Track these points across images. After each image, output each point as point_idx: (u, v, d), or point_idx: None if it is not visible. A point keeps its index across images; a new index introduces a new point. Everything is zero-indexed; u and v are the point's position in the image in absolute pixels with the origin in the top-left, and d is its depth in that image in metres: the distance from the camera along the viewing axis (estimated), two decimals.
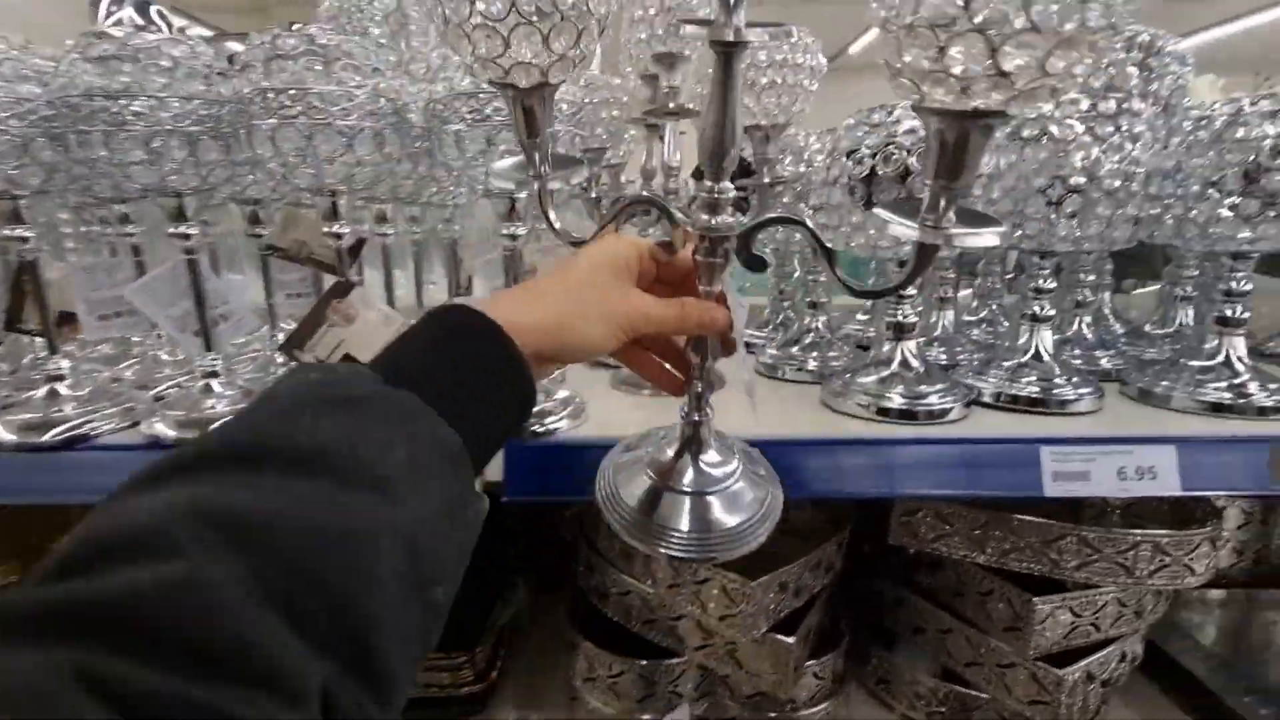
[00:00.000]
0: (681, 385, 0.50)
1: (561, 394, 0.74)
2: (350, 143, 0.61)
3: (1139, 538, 0.69)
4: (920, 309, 0.77)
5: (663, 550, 0.45)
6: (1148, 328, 1.02)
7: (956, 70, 0.32)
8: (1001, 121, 0.34)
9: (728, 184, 0.43)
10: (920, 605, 0.81)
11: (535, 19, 0.39)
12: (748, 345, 1.06)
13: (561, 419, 0.71)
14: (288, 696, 0.24)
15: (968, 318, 1.14)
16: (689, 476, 0.48)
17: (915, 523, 0.77)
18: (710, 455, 0.50)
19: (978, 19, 0.30)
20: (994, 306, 1.13)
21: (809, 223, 0.45)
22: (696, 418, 0.49)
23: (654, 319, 0.44)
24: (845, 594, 0.88)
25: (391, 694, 0.29)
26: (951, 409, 0.71)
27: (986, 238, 0.38)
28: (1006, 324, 1.11)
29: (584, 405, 0.75)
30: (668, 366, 0.51)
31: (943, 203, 0.37)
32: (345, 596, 0.27)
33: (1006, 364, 0.78)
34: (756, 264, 0.47)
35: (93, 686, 0.21)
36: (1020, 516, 0.72)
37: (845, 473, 0.66)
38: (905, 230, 0.39)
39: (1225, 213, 0.69)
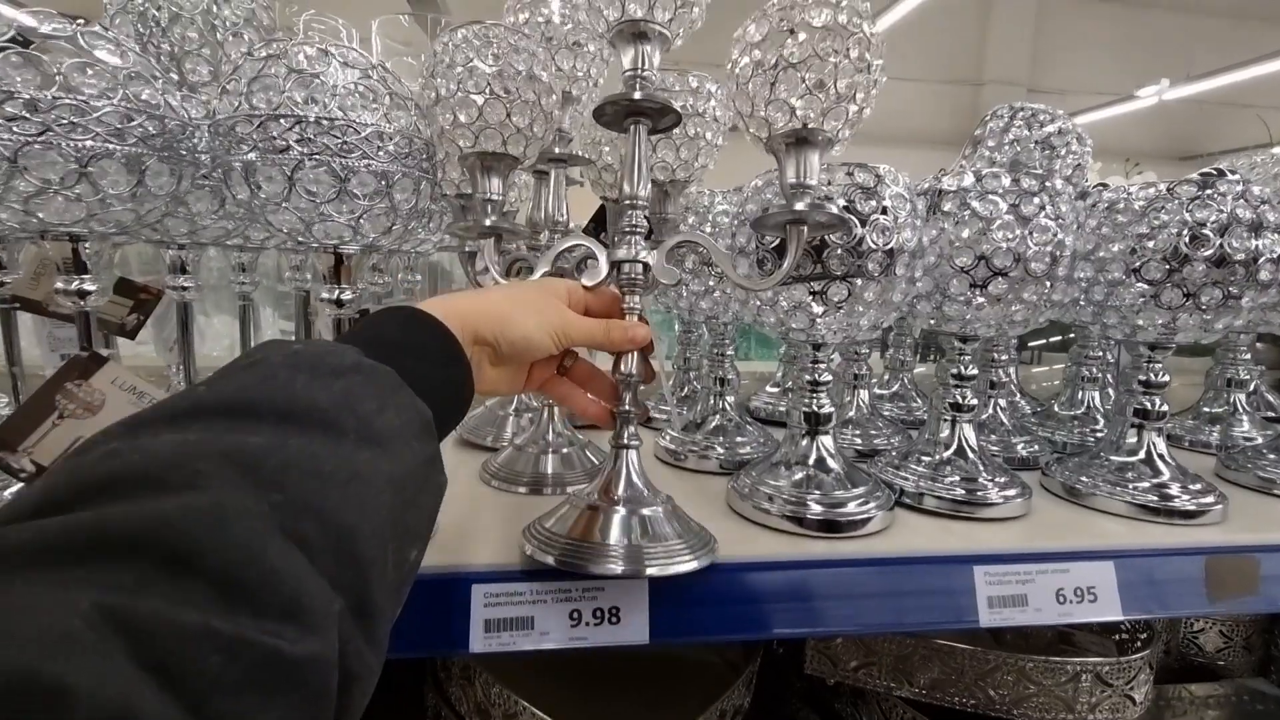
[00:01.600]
0: (608, 415, 0.53)
1: None
2: (83, 170, 0.44)
3: (1079, 667, 0.60)
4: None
5: (603, 570, 0.47)
6: (1056, 408, 0.98)
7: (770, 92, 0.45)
8: (823, 136, 0.46)
9: (641, 216, 0.52)
10: None
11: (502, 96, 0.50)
12: (649, 420, 0.93)
13: None
14: (312, 627, 0.24)
15: (879, 391, 1.08)
16: (621, 491, 0.52)
17: (834, 649, 0.65)
18: (641, 474, 0.53)
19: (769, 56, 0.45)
20: (905, 380, 1.08)
21: (705, 239, 0.53)
22: (625, 440, 0.53)
23: (583, 329, 0.49)
24: None
25: (380, 645, 0.30)
26: (874, 517, 0.61)
27: (833, 210, 0.52)
28: (919, 400, 1.05)
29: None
30: (591, 398, 0.54)
31: (799, 195, 0.47)
32: (352, 539, 0.28)
33: (927, 459, 0.70)
34: (672, 279, 0.53)
35: (113, 624, 0.20)
36: (951, 643, 0.62)
37: (755, 607, 0.54)
38: (775, 213, 0.49)
39: (1147, 302, 0.64)
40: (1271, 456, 0.78)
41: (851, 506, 0.61)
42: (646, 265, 0.51)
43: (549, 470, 0.73)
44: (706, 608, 0.54)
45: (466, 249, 0.94)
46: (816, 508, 0.61)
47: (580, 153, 0.73)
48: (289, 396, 0.30)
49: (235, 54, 0.68)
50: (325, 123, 0.47)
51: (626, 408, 0.53)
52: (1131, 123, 6.14)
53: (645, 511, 0.51)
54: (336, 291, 0.55)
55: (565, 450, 0.75)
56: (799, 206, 0.46)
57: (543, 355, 0.48)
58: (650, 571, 0.48)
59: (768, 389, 1.07)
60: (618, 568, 0.47)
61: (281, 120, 0.46)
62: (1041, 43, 6.58)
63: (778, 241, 0.58)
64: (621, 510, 0.51)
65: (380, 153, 0.49)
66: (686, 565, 0.49)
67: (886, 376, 1.09)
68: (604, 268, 0.52)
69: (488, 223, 0.58)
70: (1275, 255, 0.61)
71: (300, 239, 0.52)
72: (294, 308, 0.92)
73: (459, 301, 0.44)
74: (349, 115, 0.48)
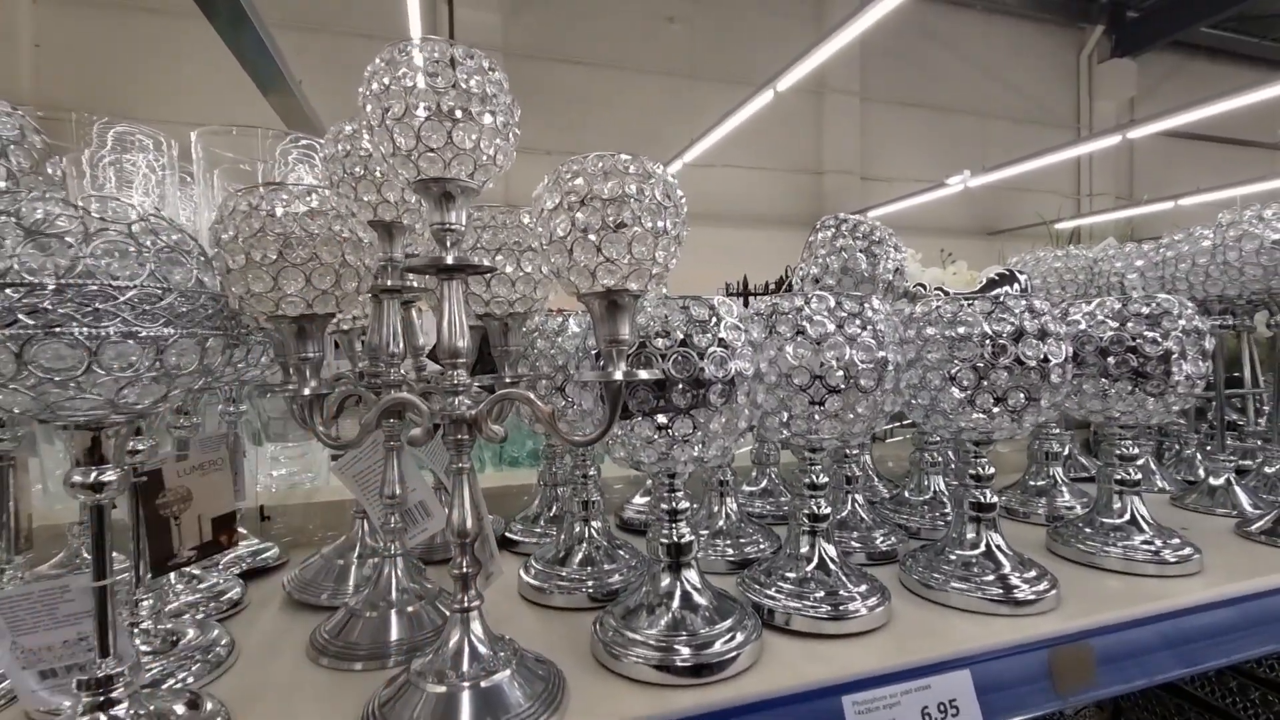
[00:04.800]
0: None
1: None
2: None
3: None
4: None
5: None
6: (906, 494, 1.04)
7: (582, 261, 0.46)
8: (629, 296, 0.47)
9: (463, 374, 0.50)
10: None
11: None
12: (511, 542, 0.87)
13: None
14: None
15: (748, 488, 1.09)
16: (466, 665, 0.51)
17: None
18: (483, 636, 0.53)
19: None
20: (773, 475, 1.10)
21: (530, 395, 0.50)
22: (466, 603, 0.52)
23: None
24: None
25: None
26: (742, 654, 0.58)
27: (651, 373, 0.50)
28: (789, 493, 1.07)
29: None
30: None
31: (614, 354, 0.48)
32: None
33: (791, 575, 0.69)
34: (496, 437, 0.51)
35: None
36: None
37: None
38: (591, 375, 0.51)
39: (965, 406, 0.70)
40: (1089, 530, 0.86)
41: (719, 645, 0.58)
42: (471, 425, 0.47)
43: (392, 636, 0.64)
44: None
45: (295, 405, 0.86)
46: (684, 651, 0.57)
47: (414, 281, 0.69)
48: None
49: None
50: (69, 289, 0.40)
51: (465, 570, 0.50)
52: (947, 205, 7.14)
53: (498, 678, 0.50)
54: (94, 474, 0.46)
55: (412, 608, 0.67)
56: (615, 375, 0.46)
57: None
58: None
59: (637, 499, 1.04)
60: None
61: (7, 291, 0.39)
62: (867, 140, 7.56)
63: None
64: (468, 691, 0.49)
65: (145, 317, 0.42)
66: None
67: (755, 473, 1.10)
68: (428, 427, 0.49)
69: (306, 391, 0.53)
70: (1060, 359, 0.69)
71: (41, 419, 0.43)
72: None
73: None
74: (102, 277, 0.41)
